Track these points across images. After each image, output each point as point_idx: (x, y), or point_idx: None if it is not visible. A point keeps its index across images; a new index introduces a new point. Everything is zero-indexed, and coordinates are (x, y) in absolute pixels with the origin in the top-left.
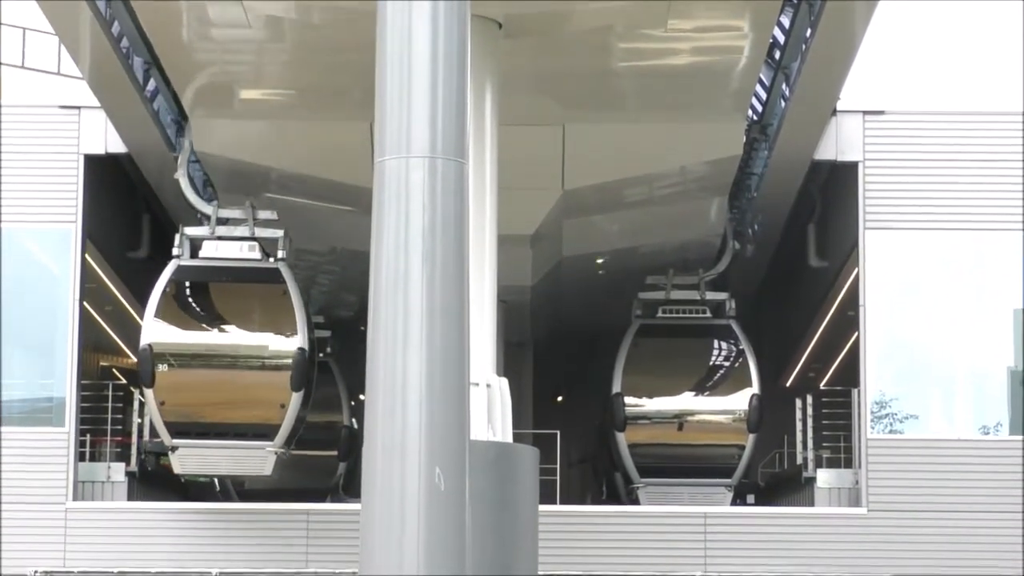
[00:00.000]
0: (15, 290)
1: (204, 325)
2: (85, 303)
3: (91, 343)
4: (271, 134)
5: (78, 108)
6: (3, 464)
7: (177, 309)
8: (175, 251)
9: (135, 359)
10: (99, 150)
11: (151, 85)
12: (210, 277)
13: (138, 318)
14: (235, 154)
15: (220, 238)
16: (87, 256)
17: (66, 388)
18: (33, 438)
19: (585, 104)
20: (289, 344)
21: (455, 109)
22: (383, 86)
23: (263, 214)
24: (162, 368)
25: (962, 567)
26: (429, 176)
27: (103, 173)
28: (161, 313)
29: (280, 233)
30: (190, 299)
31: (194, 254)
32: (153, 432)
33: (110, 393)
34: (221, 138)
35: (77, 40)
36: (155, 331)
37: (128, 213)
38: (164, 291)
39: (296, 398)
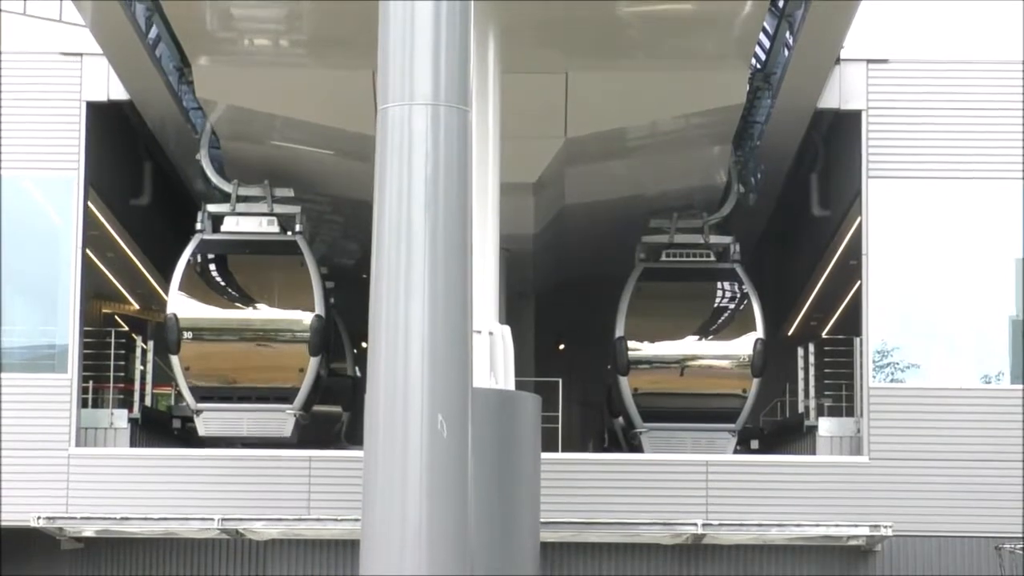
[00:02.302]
0: (17, 237)
1: (226, 295)
2: (87, 250)
3: (93, 290)
4: (273, 81)
5: (80, 55)
6: (6, 410)
7: (200, 280)
8: (198, 226)
9: (138, 307)
10: (101, 97)
11: (153, 32)
12: (231, 250)
13: (140, 265)
14: (237, 101)
15: (240, 214)
16: (89, 203)
17: (69, 335)
18: (36, 385)
19: (588, 52)
20: (306, 311)
21: (458, 56)
22: (386, 33)
23: (280, 191)
24: (187, 336)
25: (962, 515)
26: (432, 124)
27: (105, 120)
28: (185, 284)
29: (297, 209)
30: (212, 270)
31: (215, 230)
32: (156, 383)
33: (112, 340)
34: (223, 85)
35: None
36: (180, 301)
37: (130, 160)
38: (188, 263)
39: (314, 363)
